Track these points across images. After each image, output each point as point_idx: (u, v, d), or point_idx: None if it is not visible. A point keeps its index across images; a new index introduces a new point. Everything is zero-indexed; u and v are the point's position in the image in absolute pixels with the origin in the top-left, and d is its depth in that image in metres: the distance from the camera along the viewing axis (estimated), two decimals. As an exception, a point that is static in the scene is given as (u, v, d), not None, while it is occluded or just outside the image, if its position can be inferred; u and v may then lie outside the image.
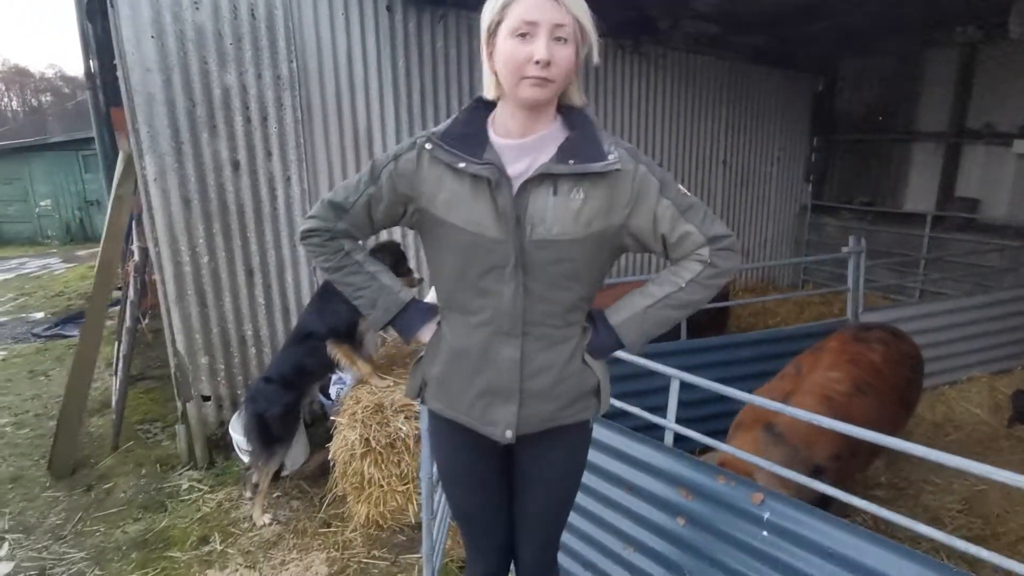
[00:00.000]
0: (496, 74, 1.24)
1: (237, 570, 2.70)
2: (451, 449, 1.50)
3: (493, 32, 1.21)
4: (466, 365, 1.36)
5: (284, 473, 3.29)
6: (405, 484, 2.88)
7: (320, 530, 2.97)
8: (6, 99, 32.04)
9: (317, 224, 1.38)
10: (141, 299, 3.97)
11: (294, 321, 3.68)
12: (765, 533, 1.77)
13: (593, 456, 2.17)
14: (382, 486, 2.86)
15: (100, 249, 3.67)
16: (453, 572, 2.62)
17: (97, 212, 13.50)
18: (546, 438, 1.41)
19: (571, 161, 1.23)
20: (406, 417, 2.87)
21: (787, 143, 7.01)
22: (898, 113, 6.75)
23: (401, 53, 3.88)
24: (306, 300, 3.70)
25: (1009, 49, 5.45)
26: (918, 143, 6.65)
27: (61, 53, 57.34)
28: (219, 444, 3.60)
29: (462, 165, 1.25)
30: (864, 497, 1.69)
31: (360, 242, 1.46)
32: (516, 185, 1.25)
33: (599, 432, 2.17)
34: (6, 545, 2.92)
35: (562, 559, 2.21)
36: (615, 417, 2.18)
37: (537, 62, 1.15)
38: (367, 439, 2.82)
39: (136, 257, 4.01)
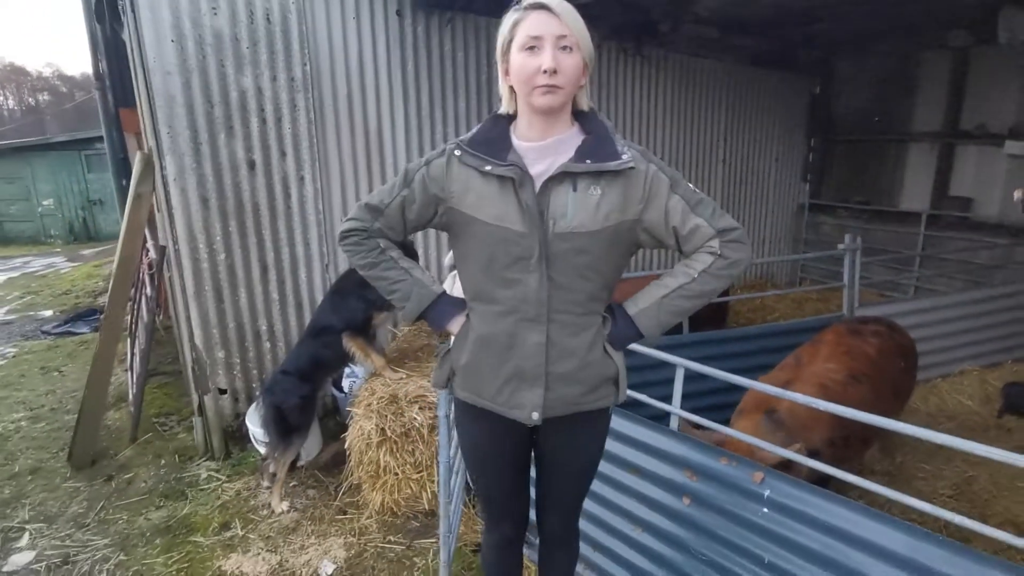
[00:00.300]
0: (512, 89, 1.38)
1: (259, 553, 2.81)
2: (478, 432, 1.62)
3: (507, 50, 1.36)
4: (494, 351, 1.47)
5: (300, 463, 3.39)
6: (419, 472, 2.99)
7: (336, 517, 3.08)
8: (2, 98, 32.02)
9: (355, 224, 1.50)
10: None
11: (307, 317, 3.78)
12: (766, 510, 1.89)
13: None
14: (397, 474, 2.97)
15: (119, 245, 3.76)
16: (467, 555, 2.73)
17: (100, 211, 13.58)
18: (569, 423, 1.52)
19: (588, 161, 1.36)
20: (420, 407, 2.97)
21: (785, 143, 7.14)
22: (893, 114, 6.88)
23: (410, 56, 3.99)
24: (318, 296, 3.79)
25: (999, 54, 5.58)
26: (913, 144, 6.78)
27: (59, 52, 57.30)
28: (235, 436, 3.70)
29: (488, 168, 1.37)
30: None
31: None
32: (538, 183, 1.37)
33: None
34: (26, 535, 2.98)
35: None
36: (623, 406, 2.29)
37: (545, 71, 1.28)
38: (383, 428, 2.93)
39: (152, 254, 4.11)
